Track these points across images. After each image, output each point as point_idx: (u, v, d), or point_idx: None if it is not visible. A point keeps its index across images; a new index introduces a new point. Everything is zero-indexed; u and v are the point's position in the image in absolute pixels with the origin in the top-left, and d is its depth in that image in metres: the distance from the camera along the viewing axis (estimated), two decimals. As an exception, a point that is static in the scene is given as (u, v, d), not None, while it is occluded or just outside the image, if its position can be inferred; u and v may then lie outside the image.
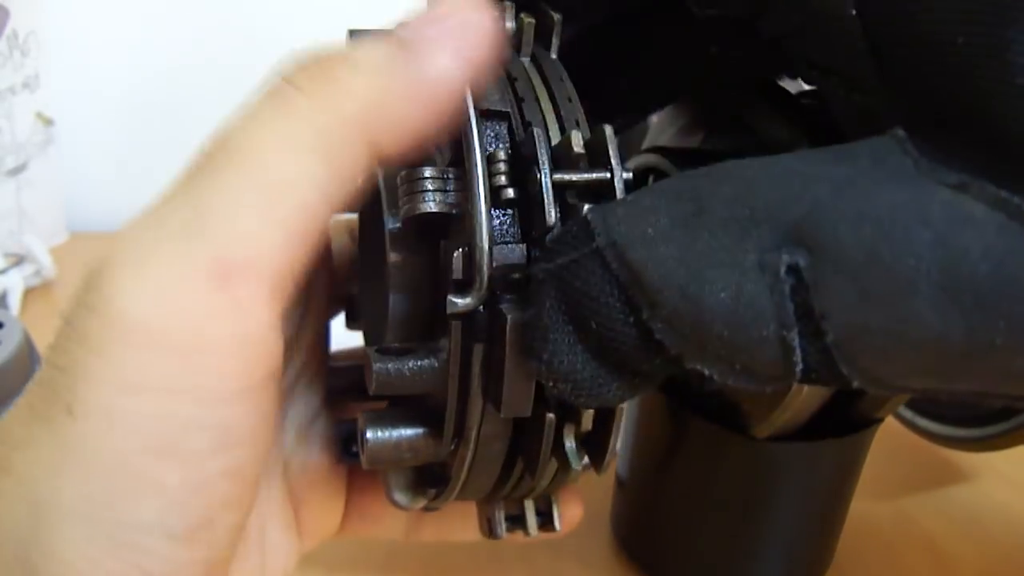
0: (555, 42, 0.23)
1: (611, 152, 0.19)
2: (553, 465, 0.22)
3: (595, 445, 0.21)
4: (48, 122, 0.66)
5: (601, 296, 0.17)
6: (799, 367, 0.16)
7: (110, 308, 0.17)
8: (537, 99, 0.22)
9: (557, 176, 0.19)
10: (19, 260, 0.60)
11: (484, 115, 0.21)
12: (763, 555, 0.32)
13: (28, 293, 0.59)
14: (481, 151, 0.20)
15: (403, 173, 0.21)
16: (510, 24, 0.23)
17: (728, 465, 0.31)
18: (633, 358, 0.18)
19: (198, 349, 0.17)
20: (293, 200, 0.18)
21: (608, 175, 0.19)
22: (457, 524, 0.28)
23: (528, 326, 0.19)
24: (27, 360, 0.37)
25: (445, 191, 0.21)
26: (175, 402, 0.17)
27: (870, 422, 0.30)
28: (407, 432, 0.22)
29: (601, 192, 0.19)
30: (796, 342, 0.16)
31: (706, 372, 0.17)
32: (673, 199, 0.17)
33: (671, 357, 0.17)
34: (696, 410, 0.31)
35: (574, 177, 0.19)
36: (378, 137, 0.19)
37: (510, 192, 0.20)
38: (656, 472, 0.33)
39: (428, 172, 0.21)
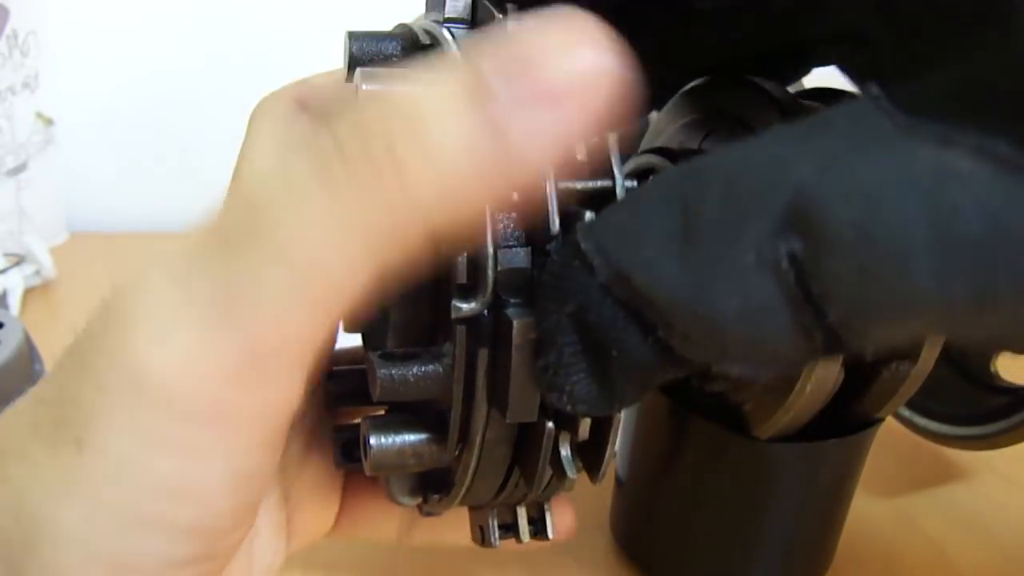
0: None
1: (613, 161, 0.19)
2: (549, 473, 0.22)
3: (591, 454, 0.21)
4: (48, 122, 0.66)
5: (617, 326, 0.17)
6: (821, 345, 0.16)
7: (131, 362, 0.16)
8: None
9: (561, 184, 0.19)
10: (19, 260, 0.60)
11: None
12: (763, 555, 0.32)
13: (28, 293, 0.59)
14: None
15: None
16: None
17: (728, 466, 0.31)
18: (654, 374, 0.18)
19: (221, 418, 0.17)
20: (329, 286, 0.16)
21: (611, 184, 0.19)
22: (450, 528, 0.28)
23: (546, 367, 0.18)
24: (27, 360, 0.36)
25: None
26: (192, 458, 0.17)
27: (870, 422, 0.30)
28: (411, 438, 0.22)
29: (603, 201, 0.19)
30: (813, 324, 0.16)
31: (732, 371, 0.17)
32: (663, 211, 0.16)
33: (693, 366, 0.17)
34: (696, 410, 0.31)
35: (577, 185, 0.19)
36: (439, 227, 0.16)
37: (513, 195, 0.20)
38: (656, 472, 0.33)
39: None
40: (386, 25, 0.25)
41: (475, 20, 0.24)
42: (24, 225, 0.65)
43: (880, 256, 0.14)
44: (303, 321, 0.16)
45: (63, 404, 0.17)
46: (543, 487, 0.24)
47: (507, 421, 0.20)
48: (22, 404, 0.18)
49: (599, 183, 0.20)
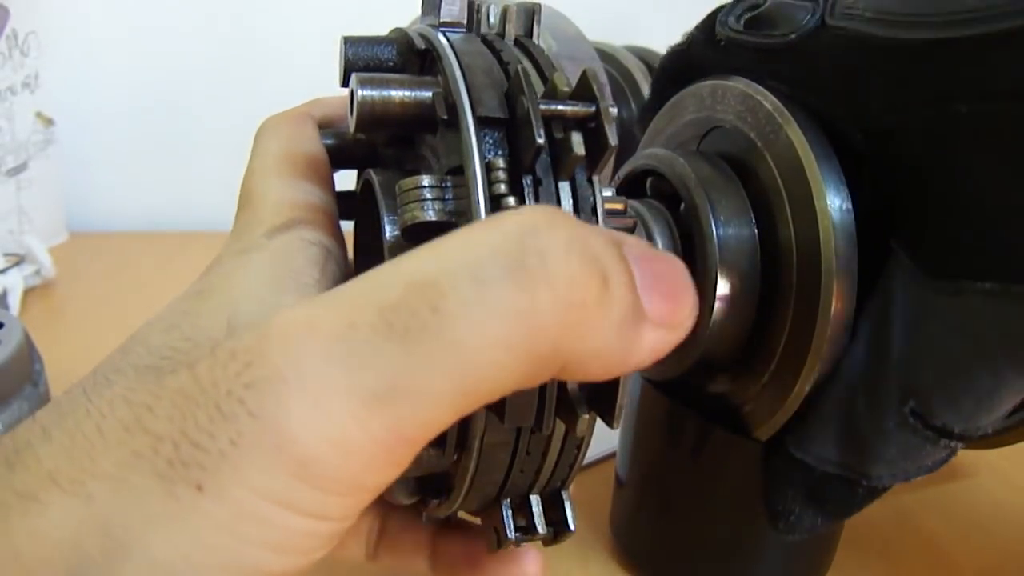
0: (536, 29, 0.23)
1: (595, 88, 0.19)
2: (560, 433, 0.22)
3: (603, 399, 0.21)
4: (48, 122, 0.66)
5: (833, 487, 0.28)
6: (956, 446, 0.26)
7: (279, 424, 0.17)
8: (524, 68, 0.21)
9: (544, 106, 0.19)
10: (19, 260, 0.60)
11: (482, 122, 0.21)
12: (763, 556, 0.32)
13: (28, 293, 0.59)
14: (480, 159, 0.20)
15: (401, 182, 0.21)
16: (494, 20, 0.23)
17: (728, 466, 0.31)
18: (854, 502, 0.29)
19: (349, 491, 0.18)
20: (491, 386, 0.17)
21: (594, 108, 0.19)
22: (409, 552, 0.29)
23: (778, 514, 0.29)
24: (27, 360, 0.36)
25: (444, 199, 0.20)
26: (308, 520, 0.17)
27: (870, 423, 0.30)
28: None
29: (588, 125, 0.20)
30: (946, 441, 0.26)
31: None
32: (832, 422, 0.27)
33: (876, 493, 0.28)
34: (697, 411, 0.31)
35: (561, 107, 0.19)
36: (571, 370, 0.18)
37: (511, 200, 0.20)
38: (656, 472, 0.33)
39: (427, 181, 0.20)
40: (382, 30, 0.26)
41: (470, 24, 0.24)
42: (24, 225, 0.65)
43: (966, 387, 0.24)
44: (453, 414, 0.17)
45: (183, 444, 0.17)
46: (556, 449, 0.23)
47: (505, 425, 0.20)
48: (109, 429, 0.18)
49: (582, 106, 0.20)
